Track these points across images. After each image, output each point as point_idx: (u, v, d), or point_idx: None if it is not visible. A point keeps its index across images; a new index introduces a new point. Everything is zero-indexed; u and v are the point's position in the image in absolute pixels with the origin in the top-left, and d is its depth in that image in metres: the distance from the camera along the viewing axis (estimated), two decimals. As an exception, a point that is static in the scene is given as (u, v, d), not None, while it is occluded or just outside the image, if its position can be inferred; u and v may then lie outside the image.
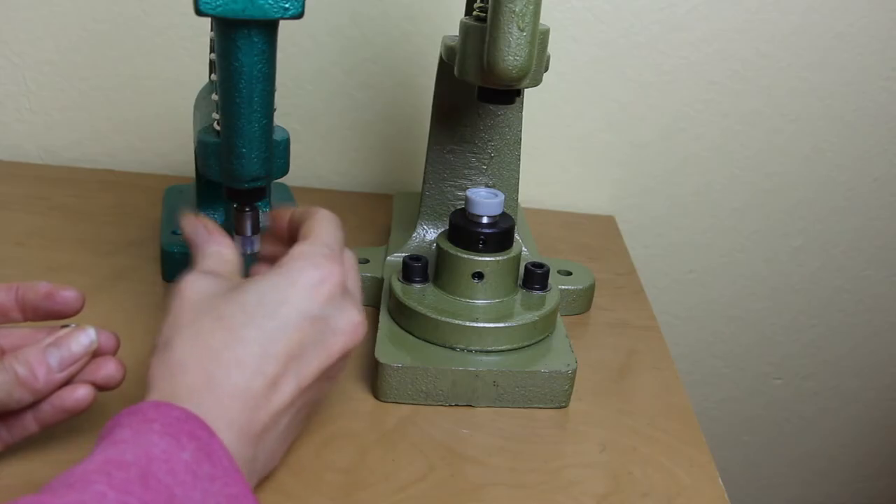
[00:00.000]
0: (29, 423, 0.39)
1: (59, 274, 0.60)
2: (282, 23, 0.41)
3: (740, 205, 0.86)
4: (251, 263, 0.45)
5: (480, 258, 0.51)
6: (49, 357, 0.38)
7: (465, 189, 0.59)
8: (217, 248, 0.42)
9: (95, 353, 0.40)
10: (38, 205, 0.71)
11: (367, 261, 0.60)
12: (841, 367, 0.95)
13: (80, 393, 0.39)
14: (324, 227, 0.41)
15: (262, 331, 0.36)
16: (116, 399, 0.45)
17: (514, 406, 0.50)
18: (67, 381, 0.39)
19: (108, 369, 0.40)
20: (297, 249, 0.39)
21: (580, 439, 0.48)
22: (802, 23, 0.78)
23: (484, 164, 0.60)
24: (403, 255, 0.57)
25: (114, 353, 0.41)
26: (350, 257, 0.43)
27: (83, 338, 0.39)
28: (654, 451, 0.47)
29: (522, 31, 0.43)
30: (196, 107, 0.59)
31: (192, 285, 0.38)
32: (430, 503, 0.42)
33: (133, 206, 0.72)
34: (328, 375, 0.39)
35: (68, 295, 0.41)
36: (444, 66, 0.57)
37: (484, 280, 0.51)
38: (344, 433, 0.46)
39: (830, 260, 0.89)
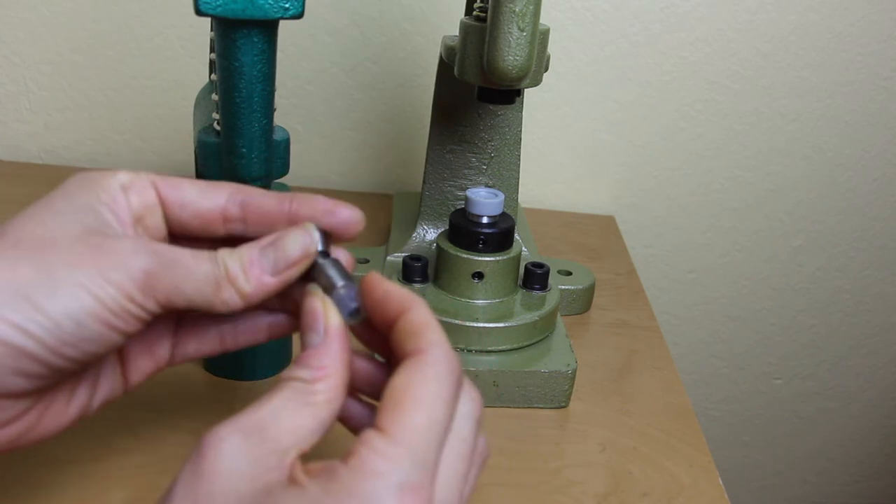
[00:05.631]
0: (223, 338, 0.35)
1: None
2: (282, 23, 0.41)
3: (740, 205, 0.86)
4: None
5: (480, 258, 0.51)
6: (263, 258, 0.31)
7: (465, 189, 0.59)
8: (327, 375, 0.29)
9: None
10: (38, 205, 0.71)
11: (367, 261, 0.61)
12: (841, 367, 0.95)
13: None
14: (419, 402, 0.27)
15: None
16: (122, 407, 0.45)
17: (514, 406, 0.50)
18: (279, 291, 0.32)
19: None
20: (370, 456, 0.25)
21: (580, 439, 0.48)
22: (802, 23, 0.78)
23: (484, 164, 0.60)
24: (403, 254, 0.57)
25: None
26: (478, 461, 0.30)
27: (304, 237, 0.32)
28: (654, 451, 0.47)
29: (522, 31, 0.43)
30: (196, 107, 0.59)
31: (227, 459, 0.25)
32: (430, 503, 0.42)
33: (133, 206, 0.72)
34: None
35: (347, 214, 0.32)
36: (444, 66, 0.57)
37: (484, 280, 0.51)
38: (345, 433, 0.46)
39: (830, 260, 0.89)
